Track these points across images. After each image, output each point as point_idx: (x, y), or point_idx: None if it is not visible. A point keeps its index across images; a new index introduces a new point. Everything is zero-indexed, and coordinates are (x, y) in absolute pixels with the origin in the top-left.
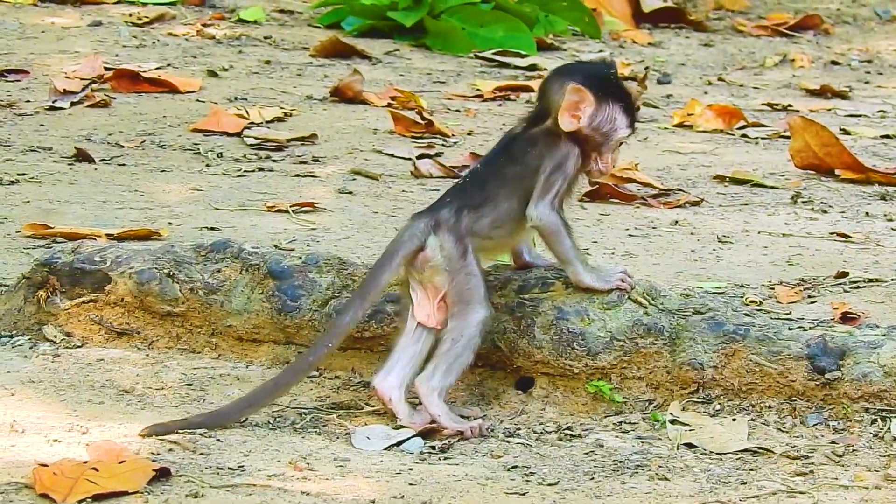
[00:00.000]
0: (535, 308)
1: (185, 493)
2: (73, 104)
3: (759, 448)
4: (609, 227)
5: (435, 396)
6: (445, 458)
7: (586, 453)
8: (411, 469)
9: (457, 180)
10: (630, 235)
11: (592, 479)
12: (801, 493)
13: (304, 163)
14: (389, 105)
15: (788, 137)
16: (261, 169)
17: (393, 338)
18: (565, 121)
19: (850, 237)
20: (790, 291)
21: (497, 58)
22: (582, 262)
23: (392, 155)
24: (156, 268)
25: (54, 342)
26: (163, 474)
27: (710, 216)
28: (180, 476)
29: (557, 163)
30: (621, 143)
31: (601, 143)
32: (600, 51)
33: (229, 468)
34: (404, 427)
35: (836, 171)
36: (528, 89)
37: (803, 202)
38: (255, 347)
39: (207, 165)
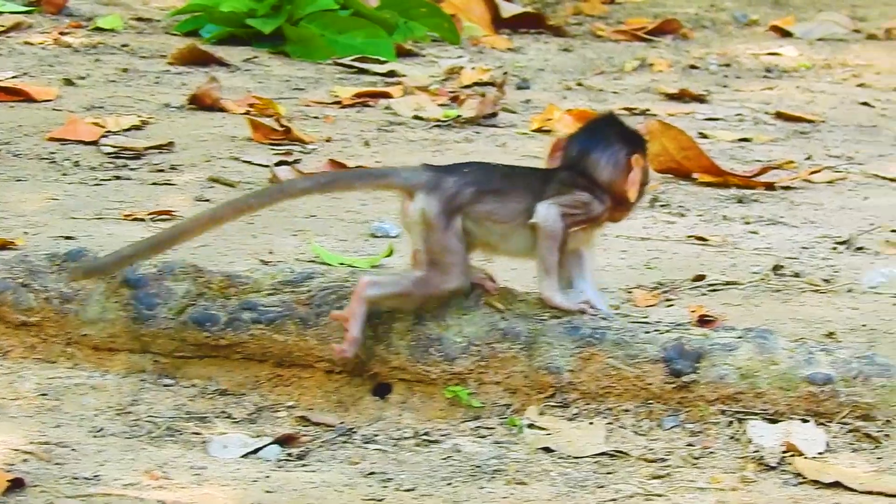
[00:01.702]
0: (392, 314)
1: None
2: None
3: (616, 451)
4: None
5: (361, 298)
6: (303, 466)
7: (444, 459)
8: (268, 476)
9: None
10: None
11: (450, 484)
12: (657, 495)
13: (162, 171)
14: (248, 112)
15: (646, 141)
16: (118, 177)
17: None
18: (633, 193)
19: (708, 240)
20: (648, 295)
21: (356, 64)
22: (556, 280)
23: (250, 162)
24: (10, 277)
25: None
26: (17, 485)
27: None
28: (35, 486)
29: (585, 203)
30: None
31: (629, 206)
32: (459, 56)
33: (84, 478)
34: None
35: (694, 175)
36: (386, 95)
37: (661, 205)
38: (110, 356)
39: (64, 174)
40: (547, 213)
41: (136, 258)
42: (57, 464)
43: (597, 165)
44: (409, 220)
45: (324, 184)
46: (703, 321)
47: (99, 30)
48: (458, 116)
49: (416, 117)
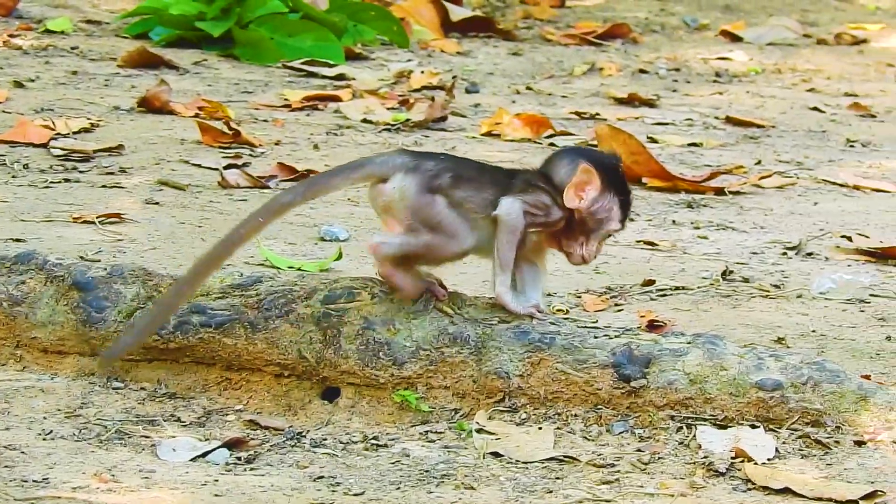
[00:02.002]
0: (341, 318)
1: None
2: None
3: (565, 456)
4: None
5: (381, 260)
6: (251, 469)
7: (392, 463)
8: (217, 480)
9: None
10: None
11: (399, 488)
12: (606, 501)
13: (111, 174)
14: (197, 115)
15: (596, 145)
16: (67, 180)
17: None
18: (570, 196)
19: (657, 245)
20: (597, 299)
21: (305, 67)
22: (509, 279)
23: (199, 165)
24: None
25: None
26: None
27: None
28: None
29: (546, 206)
30: (609, 236)
31: (592, 230)
32: (408, 60)
33: (34, 480)
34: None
35: (644, 180)
36: (336, 98)
37: None
38: (60, 359)
39: (13, 177)
40: (510, 206)
41: (154, 325)
42: (6, 466)
43: (556, 169)
44: (385, 199)
45: (305, 192)
46: (653, 326)
47: (49, 32)
48: (408, 120)
49: (366, 121)
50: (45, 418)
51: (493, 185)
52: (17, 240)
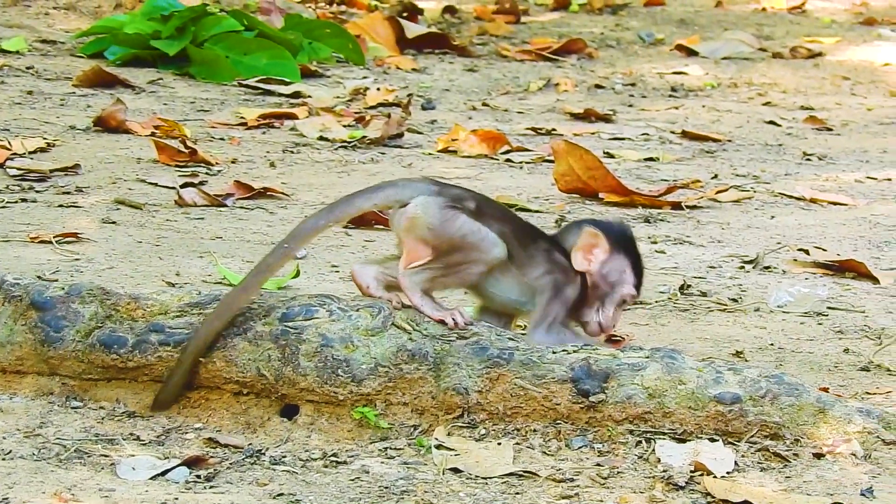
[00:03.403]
0: (299, 335)
1: None
2: None
3: (525, 472)
4: (374, 253)
5: (417, 290)
6: (211, 487)
7: (352, 480)
8: (177, 498)
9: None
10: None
11: None
12: None
13: (68, 193)
14: (153, 134)
15: (552, 161)
16: (24, 200)
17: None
18: (578, 259)
19: None
20: None
21: (261, 85)
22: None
23: (156, 184)
24: None
25: None
26: None
27: None
28: None
29: (559, 288)
30: (625, 303)
31: (605, 294)
32: (364, 77)
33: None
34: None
35: (601, 195)
36: (292, 116)
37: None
38: (18, 379)
39: None
40: (535, 339)
41: (190, 362)
42: None
43: (566, 238)
44: (407, 219)
45: (329, 216)
46: (611, 341)
47: (3, 52)
48: (364, 137)
49: (322, 138)
50: (4, 438)
51: (514, 238)
52: None
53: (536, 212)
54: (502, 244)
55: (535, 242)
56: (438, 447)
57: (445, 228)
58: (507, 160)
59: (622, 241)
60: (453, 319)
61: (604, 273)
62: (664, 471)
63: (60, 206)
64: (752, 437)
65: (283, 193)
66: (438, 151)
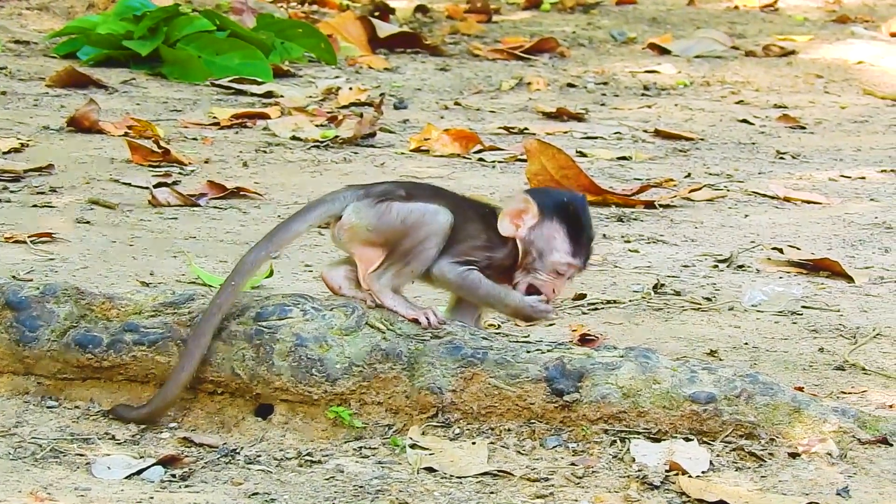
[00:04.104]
0: (273, 335)
1: None
2: None
3: (499, 471)
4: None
5: (388, 291)
6: (186, 486)
7: (327, 479)
8: (152, 497)
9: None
10: None
11: None
12: None
13: (42, 193)
14: (126, 134)
15: (525, 160)
16: None
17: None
18: (504, 224)
19: None
20: None
21: (233, 85)
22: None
23: (129, 184)
24: None
25: None
26: None
27: None
28: None
29: (489, 244)
30: (566, 276)
31: (534, 261)
32: (336, 77)
33: None
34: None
35: None
36: (264, 116)
37: None
38: None
39: None
40: (441, 270)
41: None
42: None
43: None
44: (346, 228)
45: (269, 247)
46: (585, 340)
47: None
48: (336, 137)
49: (295, 138)
50: None
51: (452, 212)
52: None
53: None
54: (444, 210)
55: (472, 211)
56: (413, 447)
57: (384, 222)
58: (480, 159)
59: (556, 210)
60: (426, 318)
61: (531, 239)
62: (639, 470)
63: (34, 206)
64: (727, 436)
65: (256, 193)
66: (411, 151)
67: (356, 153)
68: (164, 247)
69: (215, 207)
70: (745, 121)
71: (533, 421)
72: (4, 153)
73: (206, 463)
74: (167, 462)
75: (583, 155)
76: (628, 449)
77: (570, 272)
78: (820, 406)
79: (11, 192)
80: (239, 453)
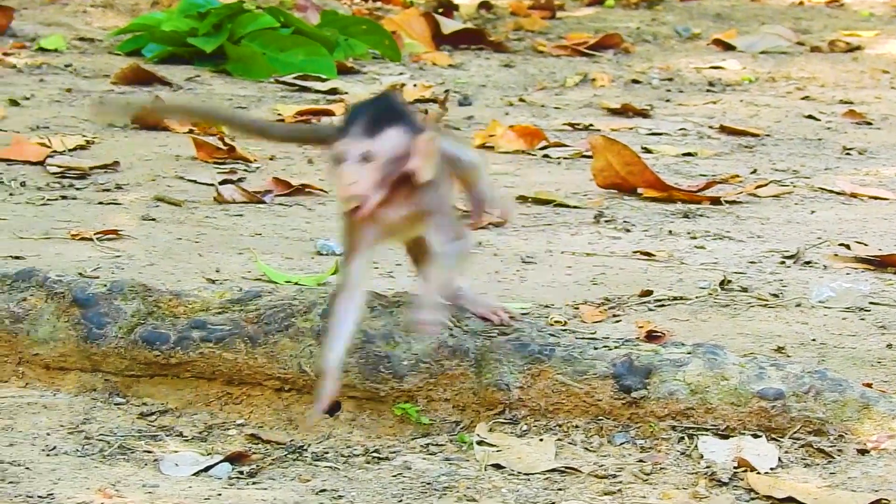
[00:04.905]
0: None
1: None
2: None
3: (567, 468)
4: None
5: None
6: (253, 483)
7: (394, 476)
8: (220, 494)
9: None
10: None
11: (401, 501)
12: None
13: (108, 190)
14: (191, 131)
15: (590, 157)
16: (64, 197)
17: (198, 364)
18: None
19: (654, 255)
20: (595, 311)
21: (298, 82)
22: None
23: (195, 181)
24: None
25: None
26: None
27: (514, 237)
28: None
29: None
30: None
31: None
32: (400, 73)
33: (38, 496)
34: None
35: (639, 190)
36: (329, 113)
37: (606, 221)
38: (62, 375)
39: (10, 194)
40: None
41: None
42: (10, 483)
43: None
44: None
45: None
46: (651, 337)
47: (42, 50)
48: None
49: None
50: (48, 434)
51: None
52: (17, 257)
53: (575, 207)
54: None
55: None
56: (480, 443)
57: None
58: (545, 156)
59: None
60: (497, 315)
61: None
62: (707, 467)
63: (100, 203)
64: (795, 433)
65: (321, 190)
66: (476, 147)
67: None
68: (229, 244)
69: (280, 204)
70: (810, 117)
71: (600, 418)
72: (71, 150)
73: (273, 460)
74: (235, 459)
75: (648, 151)
76: (696, 446)
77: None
78: (889, 402)
79: (77, 189)
80: (306, 450)
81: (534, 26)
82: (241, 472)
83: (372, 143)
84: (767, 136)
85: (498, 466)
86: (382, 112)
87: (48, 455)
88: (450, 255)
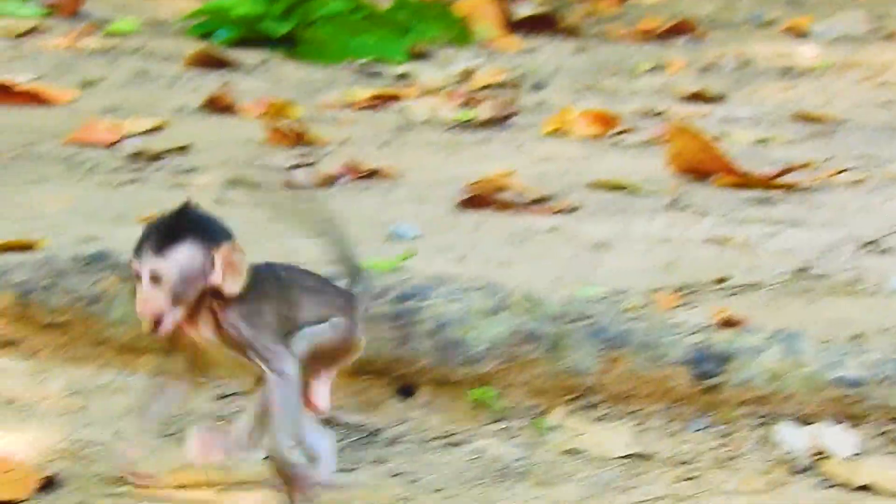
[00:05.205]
0: (415, 316)
1: (73, 502)
2: None
3: (643, 453)
4: (486, 235)
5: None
6: None
7: (469, 460)
8: None
9: None
10: (507, 243)
11: (477, 485)
12: (686, 497)
13: (180, 173)
14: (263, 115)
15: (664, 143)
16: (136, 180)
17: None
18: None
19: (729, 242)
20: (670, 297)
21: (369, 67)
22: None
23: (267, 165)
24: (36, 279)
25: None
26: (49, 484)
27: (588, 222)
28: (66, 485)
29: None
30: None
31: None
32: (472, 58)
33: (115, 477)
34: None
35: (713, 176)
36: (400, 97)
37: (680, 207)
38: (136, 357)
39: (84, 177)
40: None
41: None
42: (87, 463)
43: None
44: None
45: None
46: (728, 323)
47: (113, 33)
48: (473, 118)
49: (431, 119)
50: (122, 417)
51: None
52: (91, 239)
53: (648, 193)
54: None
55: None
56: (556, 428)
57: None
58: (618, 142)
59: None
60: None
61: None
62: (785, 453)
63: (173, 186)
64: (874, 420)
65: (393, 174)
66: (548, 133)
67: (493, 135)
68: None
69: (353, 189)
70: (886, 103)
71: (677, 403)
72: (143, 133)
73: (350, 442)
74: None
75: (722, 137)
76: (774, 432)
77: None
78: None
79: (149, 172)
80: (382, 433)
81: (606, 12)
82: None
83: (160, 261)
84: (843, 122)
85: (574, 452)
86: (174, 227)
87: (123, 437)
88: (273, 392)
